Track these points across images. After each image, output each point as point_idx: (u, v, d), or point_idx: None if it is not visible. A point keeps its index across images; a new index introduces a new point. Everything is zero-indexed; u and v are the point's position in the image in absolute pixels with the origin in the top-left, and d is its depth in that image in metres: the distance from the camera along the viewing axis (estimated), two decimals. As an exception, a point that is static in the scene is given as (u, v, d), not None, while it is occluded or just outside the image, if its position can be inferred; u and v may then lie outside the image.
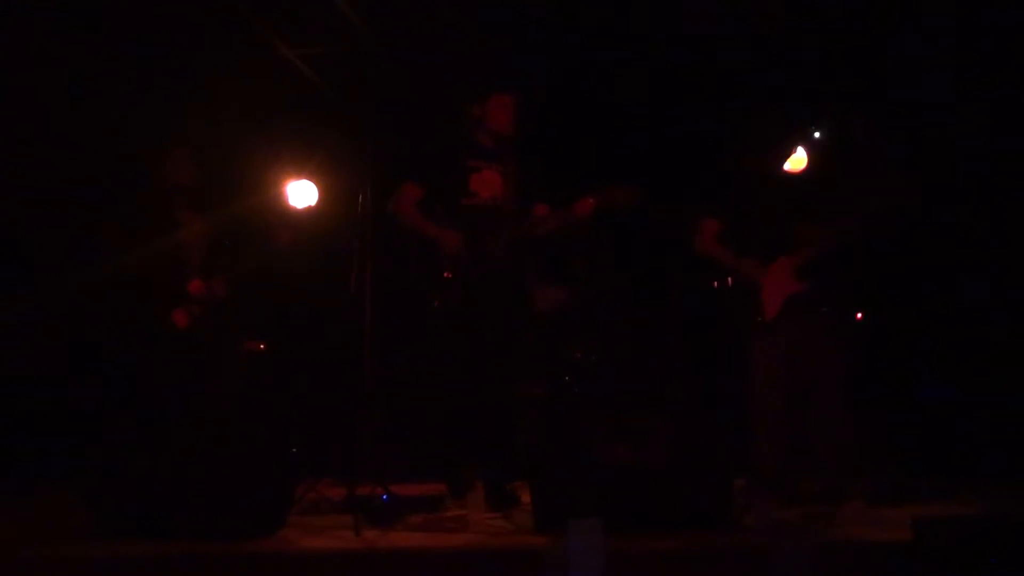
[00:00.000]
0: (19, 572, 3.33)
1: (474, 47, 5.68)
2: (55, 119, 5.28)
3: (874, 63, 5.37)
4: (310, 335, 5.69)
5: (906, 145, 5.17)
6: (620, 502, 3.48)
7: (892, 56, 5.30)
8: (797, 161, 4.41)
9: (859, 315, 5.01)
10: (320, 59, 6.01)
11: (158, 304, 4.45)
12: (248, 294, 4.69)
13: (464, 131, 4.43)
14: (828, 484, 4.11)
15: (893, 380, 5.27)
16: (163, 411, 4.43)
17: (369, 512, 3.73)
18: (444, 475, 4.37)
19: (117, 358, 4.83)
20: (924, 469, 4.66)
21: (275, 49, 5.77)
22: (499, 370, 4.38)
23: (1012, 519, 3.06)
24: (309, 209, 5.09)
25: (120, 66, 5.35)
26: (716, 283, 4.56)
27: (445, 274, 4.24)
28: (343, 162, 5.10)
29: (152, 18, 5.28)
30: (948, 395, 5.22)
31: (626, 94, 6.04)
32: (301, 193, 5.13)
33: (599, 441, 3.74)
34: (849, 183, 4.43)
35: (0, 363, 5.33)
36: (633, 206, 4.27)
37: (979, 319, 5.26)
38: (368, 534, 3.54)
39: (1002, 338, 5.12)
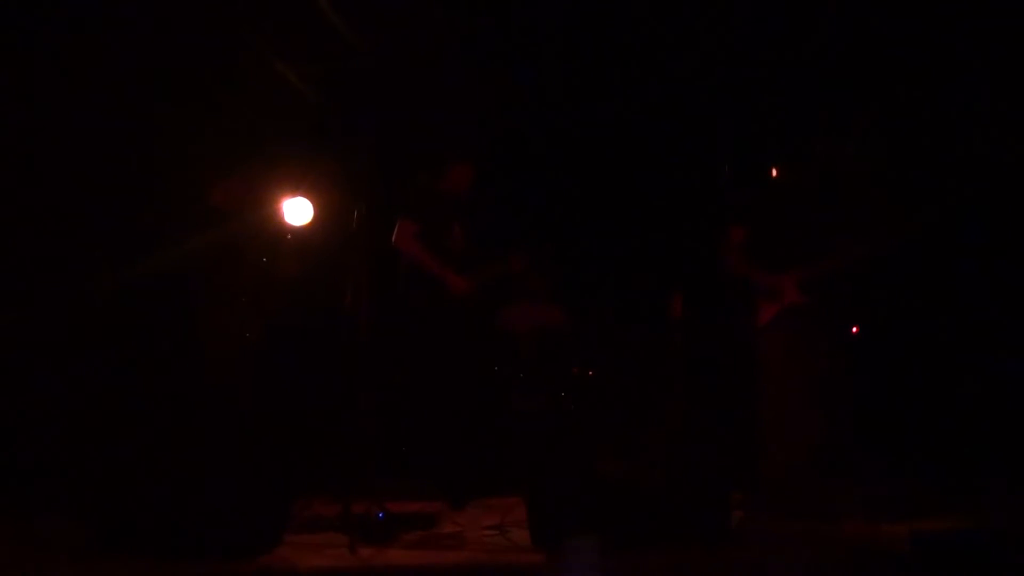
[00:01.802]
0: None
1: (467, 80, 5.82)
2: (52, 131, 5.29)
3: (880, 74, 5.37)
4: (305, 352, 5.68)
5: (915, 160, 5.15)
6: (617, 518, 3.47)
7: (901, 67, 5.30)
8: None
9: (855, 329, 5.00)
10: (316, 77, 6.03)
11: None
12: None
13: (429, 187, 4.86)
14: (826, 497, 4.10)
15: (892, 392, 5.26)
16: (163, 428, 4.44)
17: (365, 530, 3.72)
18: (440, 492, 4.37)
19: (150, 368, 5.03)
20: (923, 481, 4.65)
21: (272, 66, 5.79)
22: (496, 390, 4.74)
23: (1010, 532, 3.05)
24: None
25: (117, 82, 5.35)
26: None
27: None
28: (338, 179, 5.13)
29: (150, 34, 5.30)
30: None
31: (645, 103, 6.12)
32: (297, 210, 5.15)
33: (596, 457, 3.73)
34: (866, 201, 4.42)
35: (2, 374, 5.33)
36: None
37: (978, 330, 5.25)
38: (364, 552, 3.53)
39: (1000, 347, 5.12)
